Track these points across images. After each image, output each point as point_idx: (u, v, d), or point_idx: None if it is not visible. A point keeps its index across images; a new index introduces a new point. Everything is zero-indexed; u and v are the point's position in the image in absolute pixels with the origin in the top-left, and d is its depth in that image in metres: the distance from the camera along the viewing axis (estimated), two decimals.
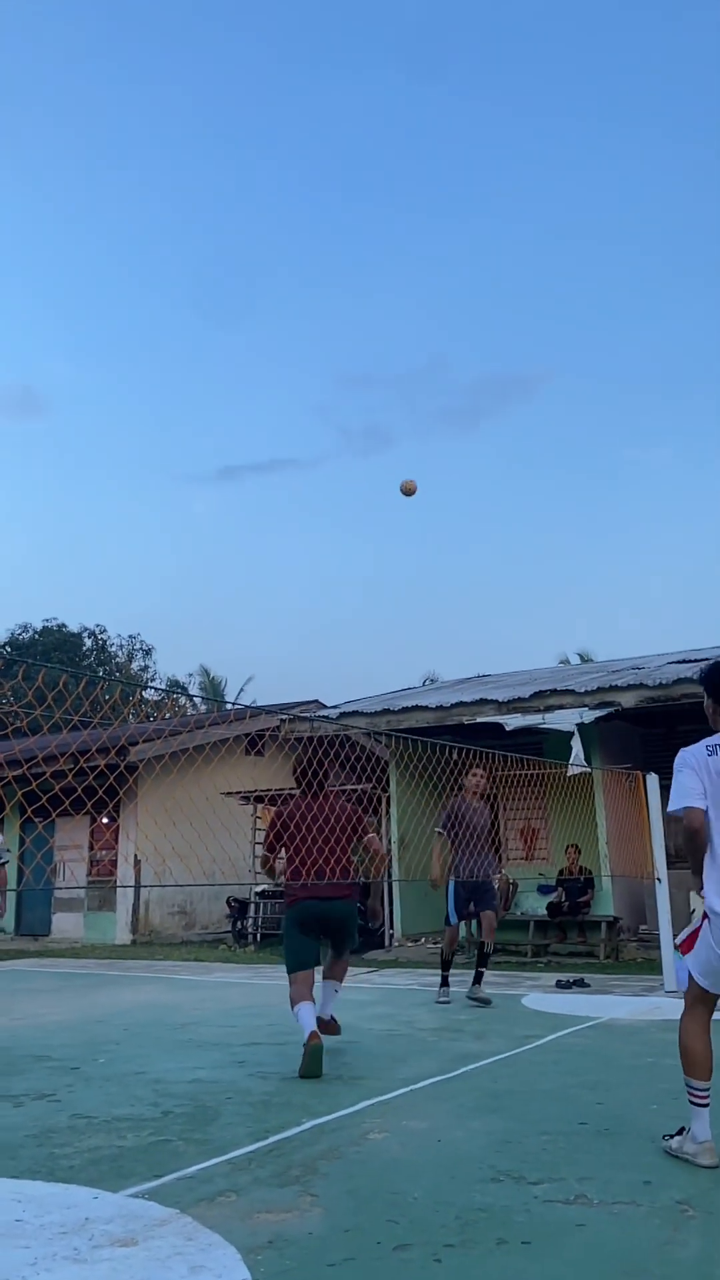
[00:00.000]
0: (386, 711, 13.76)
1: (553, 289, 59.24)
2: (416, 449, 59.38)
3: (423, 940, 13.01)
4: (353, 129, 54.96)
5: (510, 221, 58.03)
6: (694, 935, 3.54)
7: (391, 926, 13.33)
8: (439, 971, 8.02)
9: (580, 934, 12.08)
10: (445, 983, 7.89)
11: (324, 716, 14.11)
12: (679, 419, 58.10)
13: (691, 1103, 3.46)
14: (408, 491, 7.82)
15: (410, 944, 12.90)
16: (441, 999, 7.78)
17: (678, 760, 3.63)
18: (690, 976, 3.57)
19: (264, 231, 58.88)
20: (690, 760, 3.57)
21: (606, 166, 54.90)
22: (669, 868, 8.88)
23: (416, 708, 13.58)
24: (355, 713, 14.04)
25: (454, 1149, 3.68)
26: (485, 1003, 7.51)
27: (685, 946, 3.58)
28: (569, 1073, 4.99)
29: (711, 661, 3.86)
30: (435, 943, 12.74)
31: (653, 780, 9.18)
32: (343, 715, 13.99)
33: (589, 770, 11.97)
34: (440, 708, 13.28)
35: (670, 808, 3.58)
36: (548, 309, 59.18)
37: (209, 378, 62.11)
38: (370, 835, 5.65)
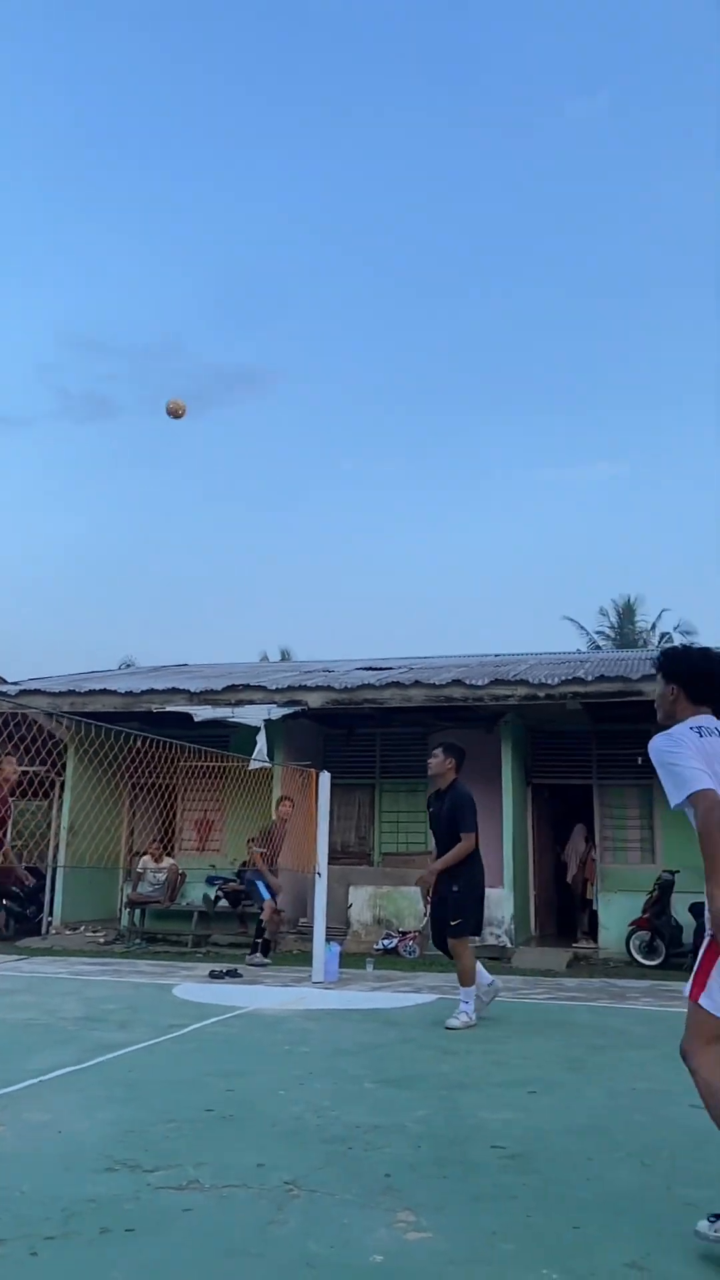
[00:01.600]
0: (72, 693, 13.28)
1: (293, 289, 60.13)
2: (140, 424, 57.95)
3: (82, 928, 12.66)
4: (109, 95, 52.62)
5: (258, 213, 58.23)
6: (708, 966, 2.78)
7: (50, 914, 12.84)
8: (98, 959, 8.36)
9: (242, 925, 12.28)
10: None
11: (1, 692, 13.35)
12: (400, 433, 60.93)
13: None
14: (174, 412, 7.49)
15: (69, 932, 12.50)
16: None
17: (664, 745, 2.96)
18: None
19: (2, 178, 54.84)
20: (685, 742, 2.95)
21: (366, 178, 56.61)
22: (330, 862, 9.28)
23: (105, 691, 13.23)
24: (37, 691, 13.42)
25: (74, 1140, 3.60)
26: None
27: (696, 988, 2.79)
28: (206, 1061, 5.05)
29: (668, 647, 3.37)
30: (95, 930, 12.45)
31: (324, 778, 9.55)
32: (23, 693, 13.31)
33: (270, 765, 12.23)
34: (130, 694, 13.02)
35: (678, 798, 2.88)
36: (287, 309, 59.95)
37: None
38: None
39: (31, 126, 52.48)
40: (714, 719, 3.10)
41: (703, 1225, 2.70)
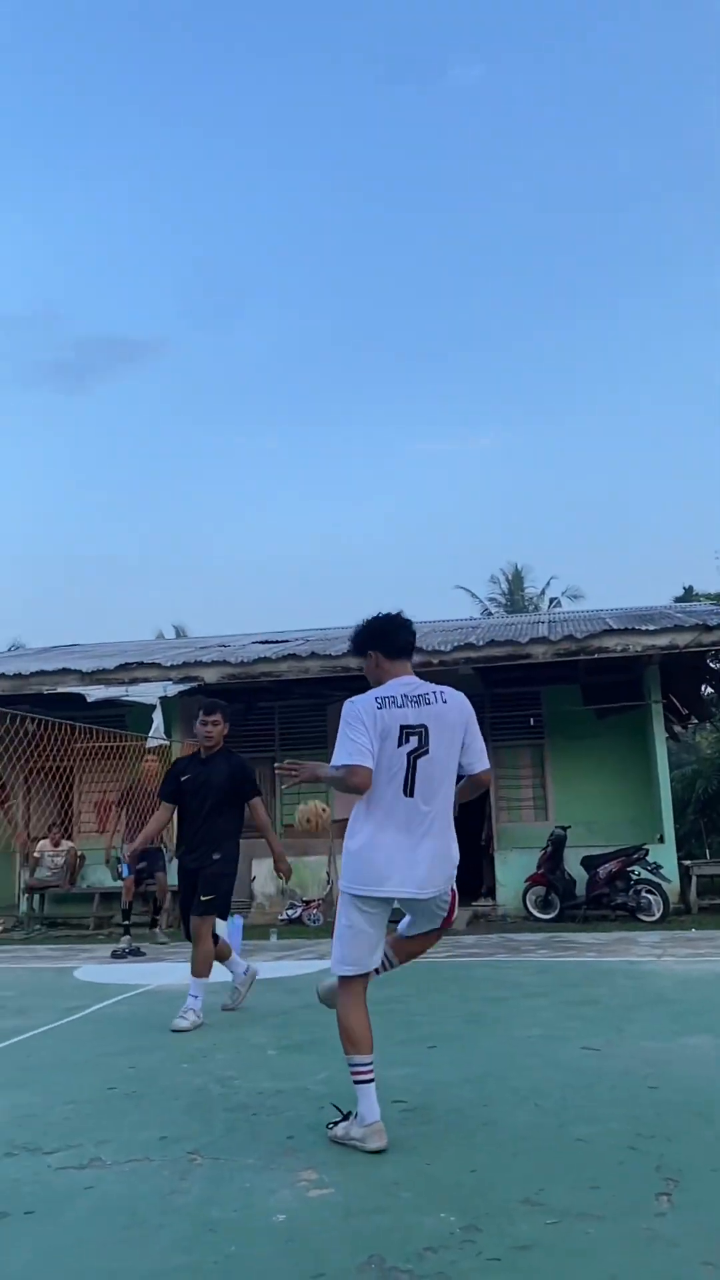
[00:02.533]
0: None
1: (169, 257, 58.76)
2: (18, 399, 55.94)
3: None
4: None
5: (141, 178, 56.64)
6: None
7: None
8: (16, 946, 8.55)
9: (145, 904, 12.17)
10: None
11: None
12: (286, 407, 60.54)
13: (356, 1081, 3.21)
14: None
15: None
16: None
17: (345, 713, 3.31)
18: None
19: None
20: (360, 713, 3.28)
21: (241, 144, 55.56)
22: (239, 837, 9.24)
23: None
24: None
25: None
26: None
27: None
28: (107, 1040, 5.02)
29: (366, 620, 3.57)
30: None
31: None
32: None
33: (168, 743, 12.11)
34: (19, 676, 12.69)
35: (335, 762, 3.29)
36: (165, 277, 58.59)
37: None
38: None
39: None
40: (408, 680, 3.43)
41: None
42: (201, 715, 5.75)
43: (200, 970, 5.41)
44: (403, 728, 3.28)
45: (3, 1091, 4.03)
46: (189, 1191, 2.86)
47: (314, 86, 53.78)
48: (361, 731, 3.25)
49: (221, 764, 5.72)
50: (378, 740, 3.25)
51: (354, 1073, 3.22)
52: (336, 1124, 3.28)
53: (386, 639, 3.49)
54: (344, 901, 3.36)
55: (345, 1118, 3.27)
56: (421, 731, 3.29)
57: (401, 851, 3.26)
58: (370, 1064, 3.21)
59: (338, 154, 54.85)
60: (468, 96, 54.63)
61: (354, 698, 3.35)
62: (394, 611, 3.56)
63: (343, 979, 3.35)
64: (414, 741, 3.28)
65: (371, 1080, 3.20)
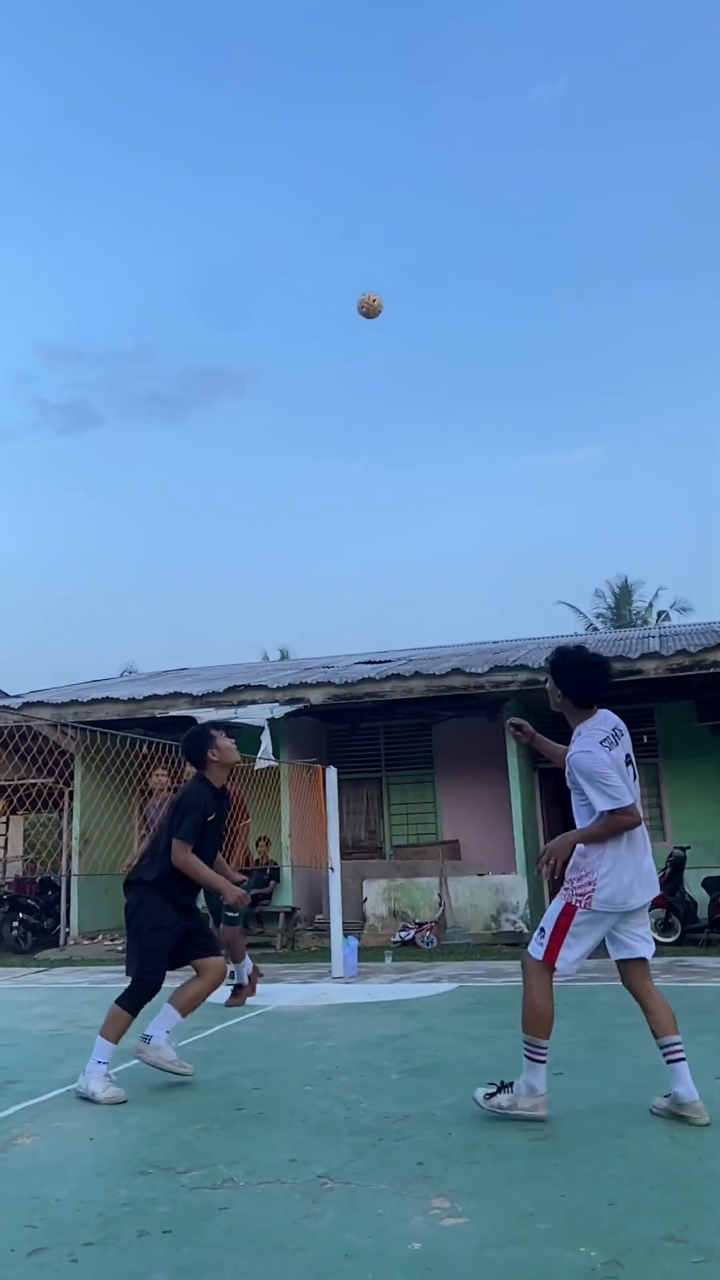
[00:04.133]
0: (75, 702, 13.29)
1: (265, 289, 60.01)
2: (121, 432, 57.82)
3: (100, 937, 12.68)
4: (79, 102, 52.57)
5: (229, 216, 58.15)
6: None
7: (67, 924, 12.87)
8: (117, 968, 8.72)
9: (259, 925, 12.31)
10: None
11: (4, 706, 13.35)
12: (384, 427, 60.91)
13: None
14: (369, 310, 6.33)
15: (87, 941, 12.52)
16: None
17: (586, 765, 3.61)
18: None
19: None
20: (602, 760, 3.62)
21: (332, 175, 56.53)
22: (342, 857, 9.29)
23: (107, 699, 13.24)
24: (40, 703, 13.43)
25: (105, 1147, 3.61)
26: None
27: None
28: (231, 1061, 5.07)
29: (576, 658, 3.78)
30: (113, 939, 12.47)
31: (331, 774, 9.56)
32: (26, 705, 13.32)
33: (276, 764, 12.25)
34: (132, 700, 13.04)
35: (600, 808, 3.59)
36: (260, 309, 59.88)
37: None
38: None
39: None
40: (605, 715, 3.78)
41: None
42: (224, 735, 4.83)
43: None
44: (626, 757, 3.73)
45: (135, 1111, 4.11)
46: (322, 1216, 2.86)
47: (403, 112, 54.34)
48: (611, 772, 3.59)
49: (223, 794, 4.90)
50: (620, 776, 3.63)
51: (532, 1053, 3.64)
52: (494, 1095, 3.68)
53: (590, 686, 3.78)
54: (585, 914, 3.67)
55: (501, 1088, 3.67)
56: (630, 759, 3.77)
57: (643, 868, 3.69)
58: (547, 1048, 3.67)
59: (417, 169, 55.23)
60: (553, 111, 54.36)
61: (585, 746, 3.66)
62: (597, 658, 3.82)
63: (544, 967, 3.71)
64: (630, 769, 3.74)
65: (545, 1061, 3.65)
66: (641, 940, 3.77)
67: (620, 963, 3.80)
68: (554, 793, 14.05)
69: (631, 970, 3.78)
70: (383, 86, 52.23)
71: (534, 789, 13.33)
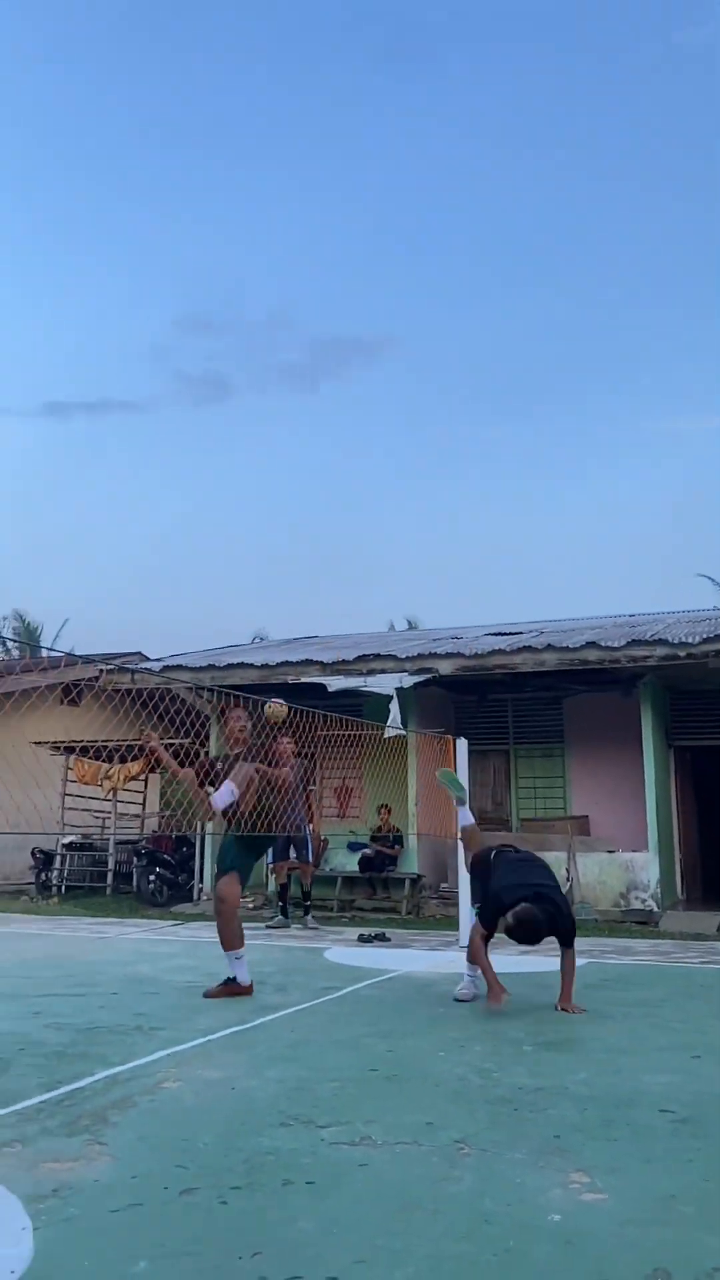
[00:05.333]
0: (211, 667, 13.65)
1: (401, 254, 59.45)
2: (254, 402, 58.45)
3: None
4: (217, 74, 52.99)
5: (364, 181, 57.72)
6: None
7: (200, 880, 13.34)
8: (252, 925, 9.31)
9: (385, 890, 12.47)
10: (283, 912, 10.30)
11: (146, 669, 13.85)
12: (523, 403, 59.80)
13: None
14: (274, 718, 6.99)
15: None
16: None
17: None
18: None
19: (106, 159, 55.99)
20: None
21: (471, 138, 55.36)
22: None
23: (241, 664, 13.55)
24: (179, 667, 13.86)
25: (247, 1096, 3.75)
26: (314, 928, 9.97)
27: None
28: (364, 1023, 5.17)
29: None
30: (243, 897, 12.85)
31: (461, 745, 9.54)
32: (166, 669, 13.78)
33: (404, 733, 12.32)
34: (265, 666, 13.30)
35: None
36: (395, 274, 59.41)
37: (33, 306, 58.77)
38: None
39: (124, 108, 53.25)
40: None
41: None
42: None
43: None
44: None
45: (273, 1064, 4.25)
46: (461, 1180, 2.90)
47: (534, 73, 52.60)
48: None
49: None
50: None
51: None
52: None
53: None
54: None
55: None
56: None
57: None
58: None
59: (555, 137, 53.46)
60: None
61: None
62: None
63: None
64: None
65: None
66: None
67: None
68: (690, 771, 13.67)
69: None
70: (532, 54, 50.66)
71: (669, 766, 13.00)
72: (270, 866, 10.99)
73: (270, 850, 9.50)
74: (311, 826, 10.45)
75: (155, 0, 46.23)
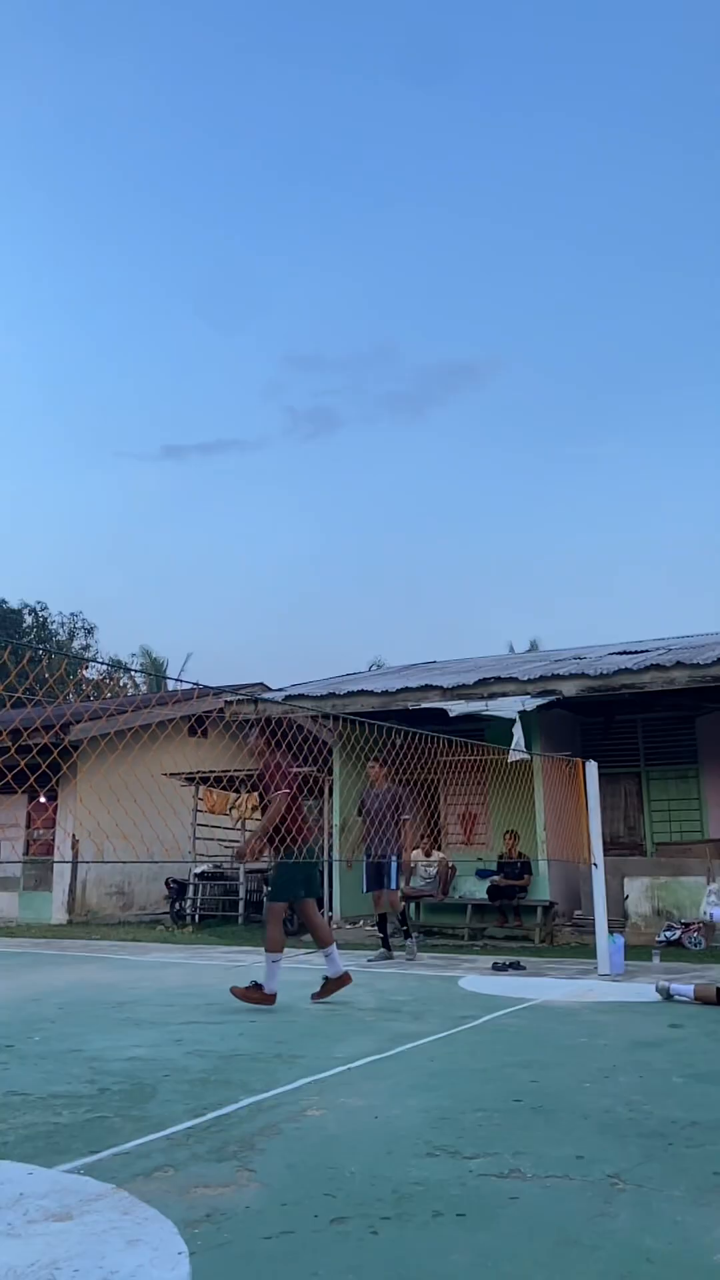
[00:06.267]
0: (332, 695, 13.78)
1: (504, 277, 59.35)
2: (363, 434, 59.28)
3: (361, 923, 13.08)
4: (307, 110, 54.45)
5: (459, 208, 57.99)
6: None
7: (331, 909, 13.38)
8: (380, 949, 9.72)
9: (516, 918, 12.25)
10: (384, 944, 9.77)
11: (269, 699, 14.08)
12: (633, 416, 58.73)
13: None
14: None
15: (349, 926, 12.96)
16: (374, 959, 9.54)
17: None
18: None
19: (215, 208, 58.04)
20: None
21: (561, 154, 55.13)
22: (604, 854, 9.04)
23: (362, 692, 13.63)
24: (301, 695, 14.03)
25: (390, 1125, 3.71)
26: (410, 957, 9.62)
27: None
28: (504, 1052, 5.07)
29: None
30: (373, 924, 12.84)
31: (592, 767, 9.33)
32: (288, 698, 13.97)
33: (529, 757, 12.13)
34: (385, 693, 13.35)
35: None
36: (499, 297, 59.33)
37: (152, 354, 61.07)
38: None
39: (224, 154, 54.95)
40: None
41: None
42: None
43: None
44: None
45: (414, 1093, 4.20)
46: (616, 1216, 2.79)
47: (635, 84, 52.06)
48: None
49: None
50: None
51: None
52: None
53: None
54: None
55: None
56: None
57: None
58: None
59: (647, 149, 52.61)
60: None
61: None
62: None
63: None
64: None
65: None
66: None
67: None
68: None
69: None
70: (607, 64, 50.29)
71: None
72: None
73: (365, 879, 9.62)
74: (404, 855, 9.63)
75: (245, 33, 47.78)
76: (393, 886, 9.51)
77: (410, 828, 9.94)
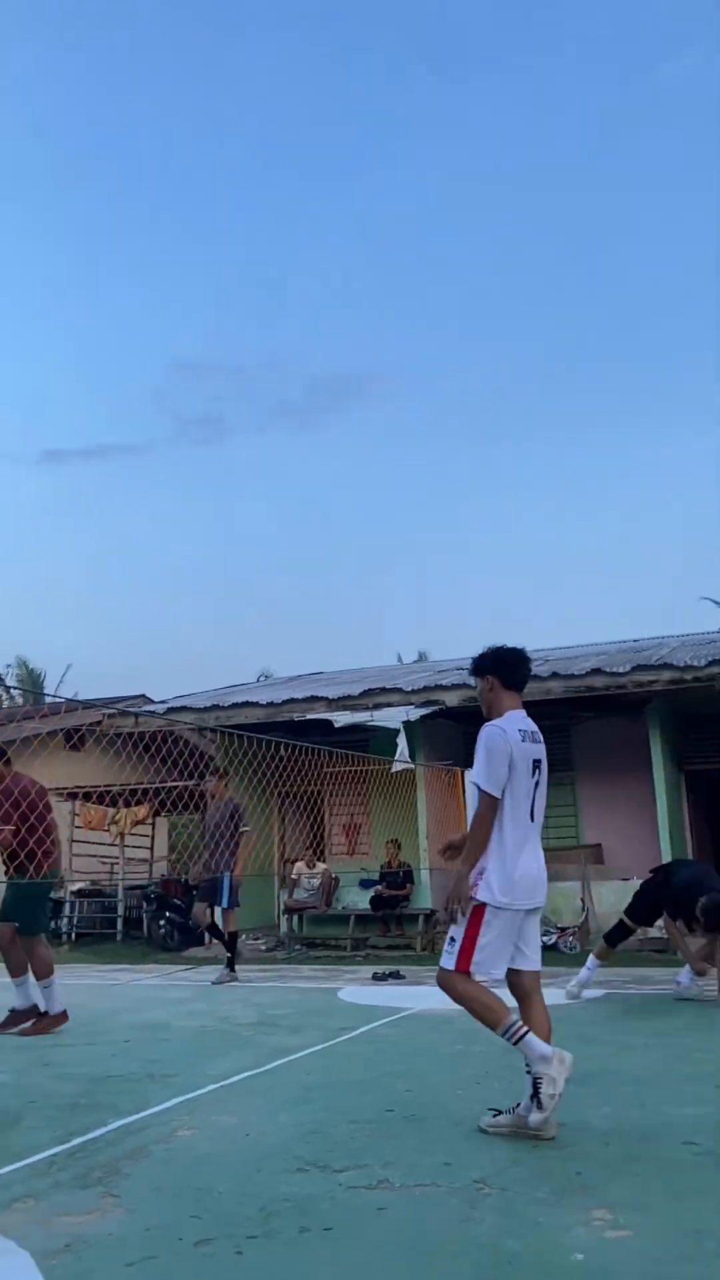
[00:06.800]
0: (216, 707, 13.64)
1: (385, 290, 60.13)
2: (253, 441, 58.99)
3: (243, 936, 12.94)
4: (210, 104, 54.05)
5: (343, 218, 58.61)
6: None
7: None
8: (263, 967, 9.73)
9: (399, 927, 12.34)
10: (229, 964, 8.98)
11: (149, 711, 13.84)
12: (523, 430, 60.16)
13: None
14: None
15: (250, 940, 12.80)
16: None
17: (490, 739, 3.79)
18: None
19: (101, 205, 56.90)
20: (507, 744, 3.77)
21: (448, 170, 56.27)
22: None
23: (247, 704, 13.54)
24: (184, 708, 13.85)
25: (262, 1142, 3.67)
26: (218, 981, 8.71)
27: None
28: (380, 1062, 5.09)
29: (493, 649, 4.05)
30: (256, 938, 12.73)
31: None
32: (170, 710, 13.77)
33: (412, 766, 12.26)
34: (271, 704, 13.29)
35: (482, 784, 3.78)
36: (380, 310, 60.07)
37: (29, 356, 59.43)
38: None
39: (115, 153, 54.27)
40: (526, 717, 3.92)
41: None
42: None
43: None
44: (533, 761, 3.84)
45: (288, 1108, 4.17)
46: (482, 1221, 2.83)
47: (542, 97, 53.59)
48: (503, 761, 3.74)
49: None
50: (509, 768, 3.75)
51: (512, 1035, 3.65)
52: (500, 1114, 3.67)
53: (511, 669, 3.98)
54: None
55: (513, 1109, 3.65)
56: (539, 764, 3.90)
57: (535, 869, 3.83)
58: (519, 1019, 3.72)
59: (550, 156, 54.27)
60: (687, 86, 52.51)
61: (496, 726, 3.84)
62: (519, 647, 4.05)
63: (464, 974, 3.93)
64: (537, 774, 3.87)
65: (529, 1030, 3.65)
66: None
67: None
68: (702, 794, 13.57)
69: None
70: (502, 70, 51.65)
71: (680, 792, 12.90)
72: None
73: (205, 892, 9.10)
74: (236, 869, 9.04)
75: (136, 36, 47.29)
76: (224, 905, 9.02)
77: (248, 841, 9.47)
